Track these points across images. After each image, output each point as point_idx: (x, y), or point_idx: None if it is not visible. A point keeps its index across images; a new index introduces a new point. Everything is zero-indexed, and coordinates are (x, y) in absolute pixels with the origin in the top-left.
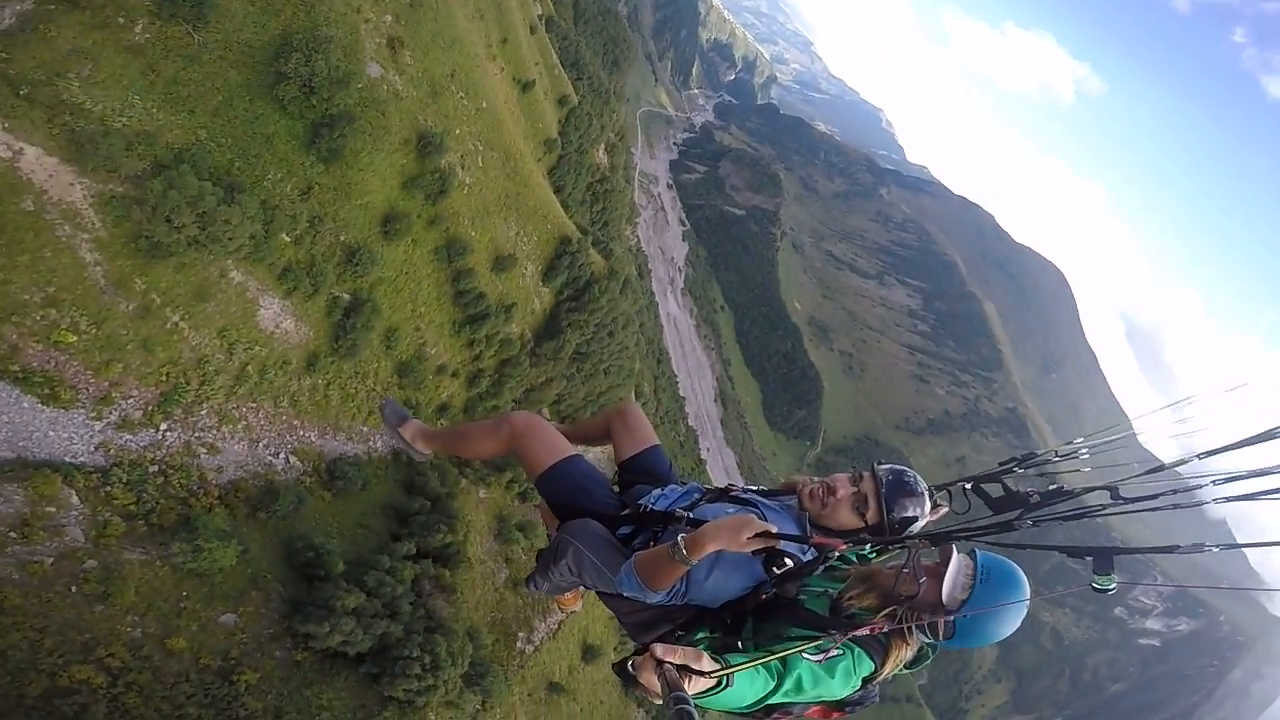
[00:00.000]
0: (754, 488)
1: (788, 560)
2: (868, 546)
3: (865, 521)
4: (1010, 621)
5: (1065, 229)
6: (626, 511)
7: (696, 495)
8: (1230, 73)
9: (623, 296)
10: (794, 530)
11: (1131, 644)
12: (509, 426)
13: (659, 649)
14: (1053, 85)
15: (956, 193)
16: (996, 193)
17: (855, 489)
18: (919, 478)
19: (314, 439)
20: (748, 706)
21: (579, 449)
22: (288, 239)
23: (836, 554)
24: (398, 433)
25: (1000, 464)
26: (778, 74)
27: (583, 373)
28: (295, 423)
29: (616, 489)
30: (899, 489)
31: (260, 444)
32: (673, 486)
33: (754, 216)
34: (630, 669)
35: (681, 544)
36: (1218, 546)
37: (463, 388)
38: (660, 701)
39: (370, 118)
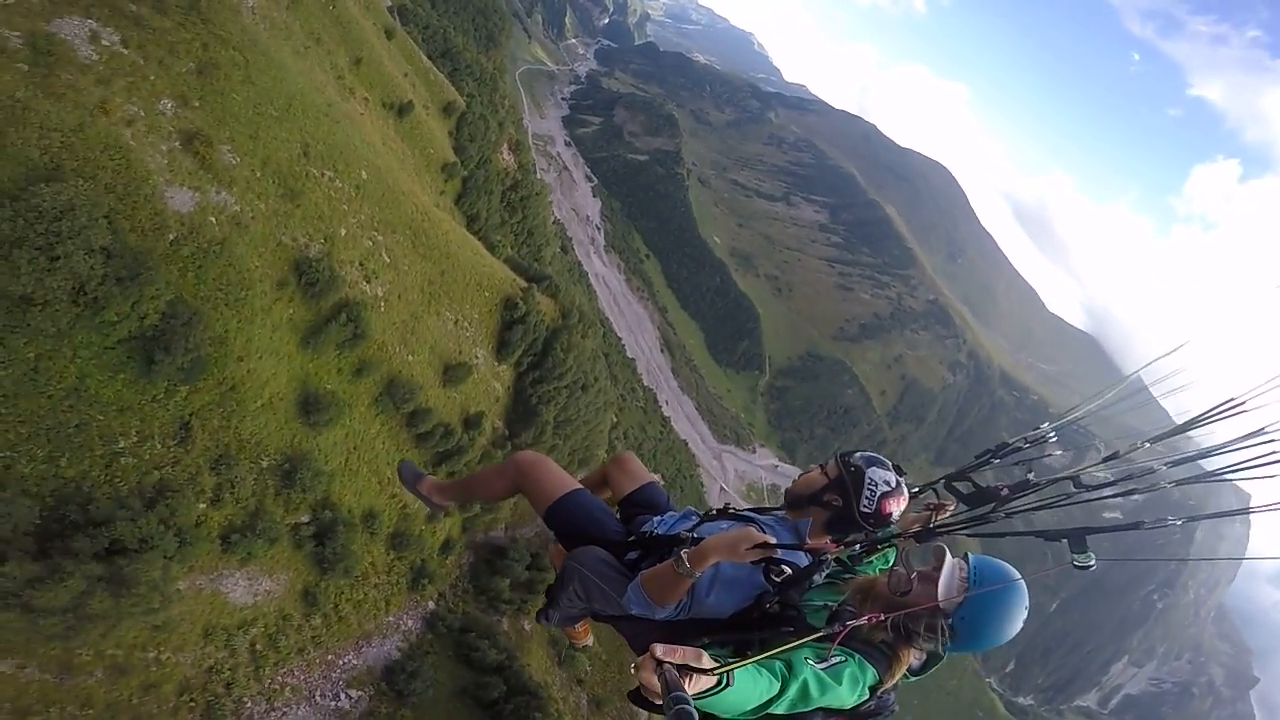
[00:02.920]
0: (749, 506)
1: (786, 568)
2: (858, 546)
3: (828, 477)
4: (1012, 621)
5: (939, 129)
6: (632, 538)
7: (695, 518)
8: None
9: (584, 340)
10: (790, 539)
11: (1097, 519)
12: (515, 466)
13: (659, 649)
14: None
15: (837, 107)
16: (871, 103)
17: (820, 463)
18: (877, 454)
19: (354, 660)
20: (753, 711)
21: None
22: (204, 507)
23: (831, 555)
24: (416, 490)
25: (976, 456)
26: (649, 11)
27: (563, 434)
28: (330, 657)
29: (621, 521)
30: (855, 455)
31: (316, 695)
32: (670, 513)
33: (657, 159)
34: (630, 670)
35: (685, 558)
36: (1180, 519)
37: (456, 518)
38: (660, 702)
39: (210, 283)
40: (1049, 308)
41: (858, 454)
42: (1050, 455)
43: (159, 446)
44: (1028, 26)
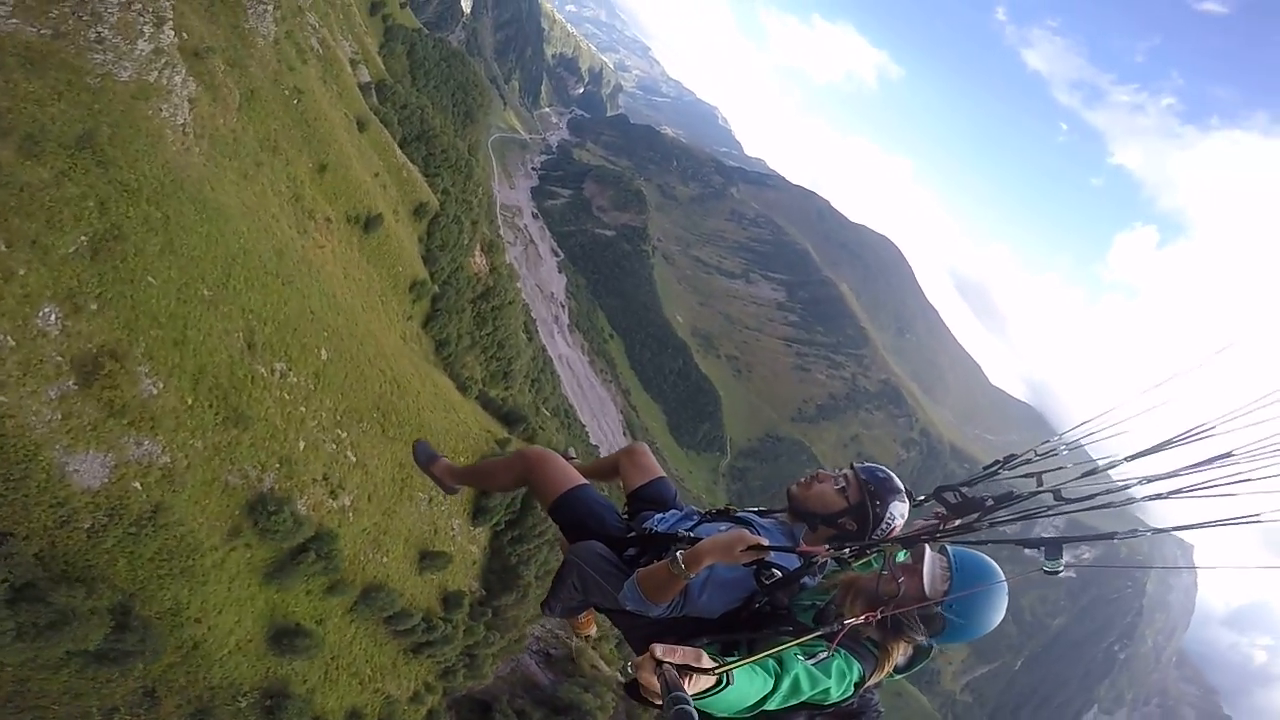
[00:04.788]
0: (752, 508)
1: (776, 571)
2: (847, 551)
3: (847, 501)
4: (997, 608)
5: (885, 202)
6: (632, 534)
7: (696, 517)
8: (999, 49)
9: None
10: (784, 543)
11: (1052, 580)
12: (523, 461)
13: (658, 649)
14: (857, 73)
15: (794, 183)
16: (822, 177)
17: (836, 474)
18: (894, 475)
19: None
20: (748, 709)
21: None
22: None
23: (821, 559)
24: (429, 471)
25: (985, 468)
26: (622, 82)
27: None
28: None
29: (625, 516)
30: (876, 479)
31: None
32: (673, 510)
33: (624, 235)
34: (629, 670)
35: (680, 559)
36: (1151, 530)
37: (439, 690)
38: (660, 702)
39: (147, 564)
40: (991, 381)
41: (880, 475)
42: (1031, 476)
43: (127, 716)
44: (969, 100)
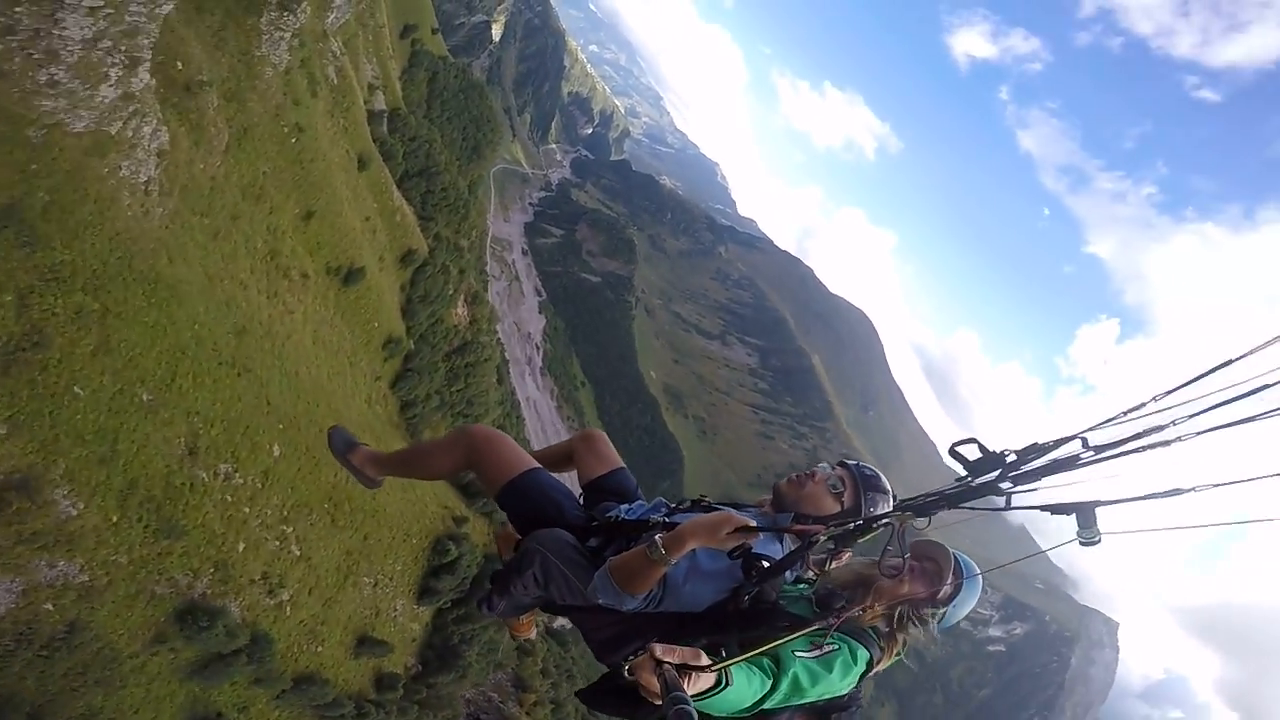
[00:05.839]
0: (727, 501)
1: (764, 562)
2: (852, 527)
3: (842, 504)
4: (971, 605)
5: (865, 275)
6: (595, 523)
7: (666, 508)
8: (997, 128)
9: None
10: (764, 527)
11: (982, 652)
12: (468, 439)
13: (658, 649)
14: (858, 142)
15: (781, 247)
16: (812, 244)
17: (830, 474)
18: (883, 475)
19: None
20: (748, 709)
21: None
22: None
23: (819, 539)
24: (347, 460)
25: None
26: (630, 128)
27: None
28: None
29: (583, 507)
30: (869, 480)
31: None
32: (639, 502)
33: (609, 283)
34: (627, 673)
35: (659, 543)
36: (1200, 487)
37: None
38: (659, 703)
39: (59, 679)
40: (945, 460)
41: (868, 473)
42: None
43: None
44: (960, 179)
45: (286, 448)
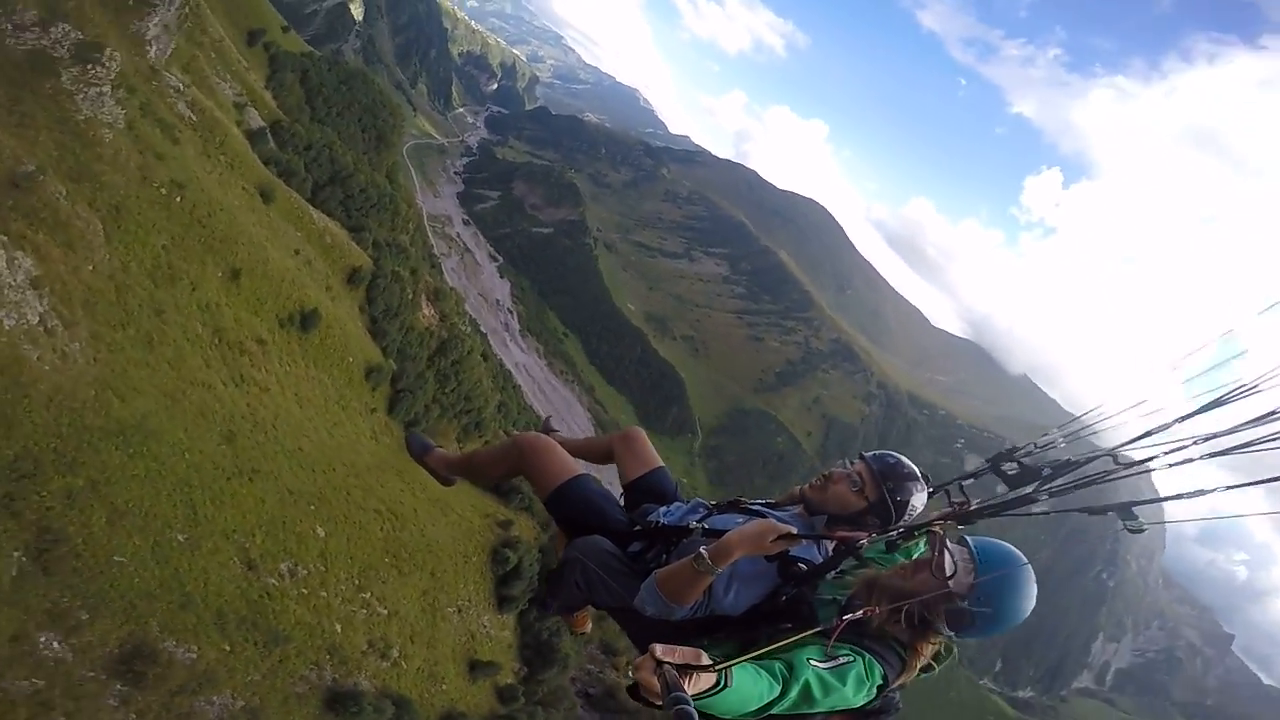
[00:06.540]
0: (760, 500)
1: (802, 565)
2: (895, 534)
3: (866, 499)
4: (1026, 595)
5: (808, 167)
6: (637, 528)
7: (704, 510)
8: (895, 10)
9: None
10: (806, 533)
11: (1031, 519)
12: (517, 449)
13: (658, 649)
14: (766, 43)
15: (721, 156)
16: (746, 147)
17: (848, 472)
18: (906, 459)
19: None
20: (754, 712)
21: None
22: None
23: (862, 544)
24: (424, 462)
25: (986, 460)
26: (537, 74)
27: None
28: None
29: (624, 508)
30: (889, 468)
31: None
32: (678, 503)
33: (563, 231)
34: (629, 673)
35: (705, 554)
36: (1227, 488)
37: None
38: (660, 703)
39: None
40: (933, 323)
41: (890, 461)
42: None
43: None
44: (873, 62)
45: (328, 524)
